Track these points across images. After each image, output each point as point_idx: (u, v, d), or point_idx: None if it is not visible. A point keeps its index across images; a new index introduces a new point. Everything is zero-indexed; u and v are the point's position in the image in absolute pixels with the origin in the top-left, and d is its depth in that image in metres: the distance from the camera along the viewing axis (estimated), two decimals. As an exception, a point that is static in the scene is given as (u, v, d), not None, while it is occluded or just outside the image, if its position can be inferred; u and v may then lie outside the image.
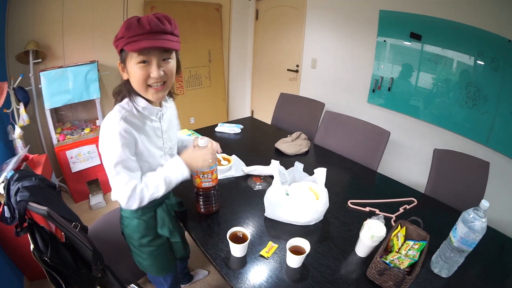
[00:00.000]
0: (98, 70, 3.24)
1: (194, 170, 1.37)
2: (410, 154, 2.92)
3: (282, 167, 1.71)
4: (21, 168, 2.30)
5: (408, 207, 1.63)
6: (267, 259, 1.27)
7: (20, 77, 2.73)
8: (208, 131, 2.66)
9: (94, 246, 1.34)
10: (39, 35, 3.10)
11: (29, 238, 1.35)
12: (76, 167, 3.22)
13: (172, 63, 1.16)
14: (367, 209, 1.59)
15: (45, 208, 1.23)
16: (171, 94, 1.41)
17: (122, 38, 1.07)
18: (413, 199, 1.70)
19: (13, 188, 1.34)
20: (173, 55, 1.16)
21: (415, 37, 2.64)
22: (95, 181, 3.52)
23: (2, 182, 2.05)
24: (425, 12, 2.54)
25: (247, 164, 1.98)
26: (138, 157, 1.22)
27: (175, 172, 1.25)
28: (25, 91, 2.81)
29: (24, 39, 2.99)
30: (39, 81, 2.93)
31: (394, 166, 2.86)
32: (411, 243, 1.24)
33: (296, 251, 1.22)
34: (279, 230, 1.44)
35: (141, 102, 1.21)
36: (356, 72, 3.25)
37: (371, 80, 3.09)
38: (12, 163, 2.28)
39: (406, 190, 1.85)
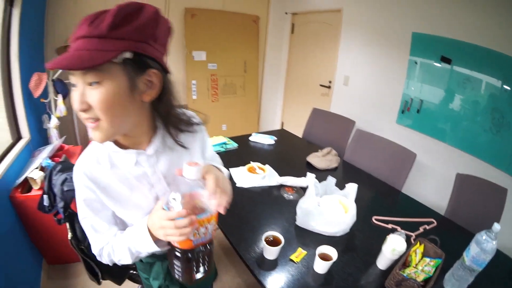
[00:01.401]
0: None
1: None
2: (434, 176, 2.98)
3: (316, 180, 1.82)
4: (62, 160, 2.41)
5: (428, 227, 1.73)
6: (296, 263, 1.39)
7: (60, 70, 2.79)
8: (242, 140, 2.81)
9: None
10: None
11: (68, 227, 1.42)
12: None
13: (101, 91, 0.70)
14: (390, 226, 1.71)
15: None
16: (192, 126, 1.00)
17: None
18: (432, 220, 1.80)
19: (57, 178, 1.39)
20: (110, 76, 0.70)
21: (445, 60, 2.70)
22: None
23: (37, 168, 2.17)
24: (455, 37, 2.60)
25: (280, 175, 2.13)
26: (120, 208, 0.92)
27: (139, 243, 0.87)
28: (63, 83, 2.89)
29: (65, 33, 3.13)
30: None
31: (417, 187, 2.92)
32: (427, 259, 1.35)
33: (324, 258, 1.34)
34: (308, 238, 1.57)
35: (108, 145, 0.87)
36: (387, 92, 3.33)
37: (401, 101, 3.16)
38: (47, 151, 2.40)
39: (427, 210, 1.95)
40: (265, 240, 1.40)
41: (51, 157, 2.44)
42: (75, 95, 0.71)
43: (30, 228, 2.18)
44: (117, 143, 0.88)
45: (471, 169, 2.16)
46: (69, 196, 1.34)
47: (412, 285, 1.18)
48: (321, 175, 2.04)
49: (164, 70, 0.81)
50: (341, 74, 3.89)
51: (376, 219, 1.77)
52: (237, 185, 2.03)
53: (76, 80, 0.71)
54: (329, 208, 1.60)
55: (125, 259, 0.92)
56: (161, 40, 0.77)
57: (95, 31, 0.67)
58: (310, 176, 1.77)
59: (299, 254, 1.44)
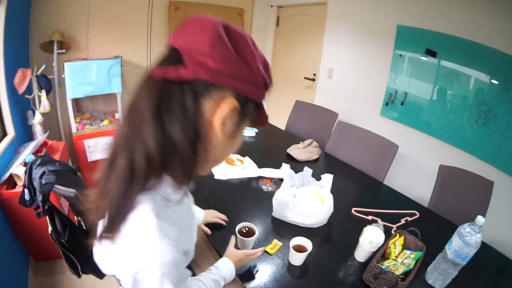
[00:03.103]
0: (121, 66, 3.33)
1: None
2: (418, 168, 2.95)
3: (292, 171, 1.77)
4: (42, 154, 2.36)
5: (410, 219, 1.69)
6: (271, 255, 1.35)
7: (43, 66, 2.83)
8: (222, 132, 2.74)
9: None
10: (64, 26, 3.23)
11: (48, 221, 1.38)
12: (92, 156, 3.32)
13: None
14: (370, 217, 1.66)
15: (73, 190, 1.26)
16: None
17: (262, 83, 0.64)
18: (415, 212, 1.77)
19: (37, 172, 1.38)
20: None
21: (430, 53, 2.68)
22: (109, 171, 3.61)
23: (21, 164, 2.14)
24: (440, 29, 2.58)
25: (259, 167, 2.07)
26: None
27: (228, 274, 1.13)
28: (47, 79, 2.90)
29: (49, 29, 3.12)
30: (62, 71, 3.02)
31: (401, 179, 2.89)
32: (408, 252, 1.31)
33: (299, 249, 1.28)
34: (284, 230, 1.52)
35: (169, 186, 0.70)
36: (371, 84, 3.30)
37: (385, 93, 3.13)
38: (31, 147, 2.35)
39: (409, 203, 1.91)
40: (239, 232, 1.36)
41: (35, 153, 2.41)
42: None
43: (16, 225, 2.15)
44: None
45: (457, 162, 2.13)
46: (47, 189, 1.32)
47: (390, 278, 1.12)
48: (301, 166, 1.99)
49: None
50: (326, 66, 3.85)
51: (355, 211, 1.72)
52: (216, 177, 1.97)
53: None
54: (305, 199, 1.54)
55: None
56: None
57: None
58: (285, 167, 1.74)
59: (274, 245, 1.40)
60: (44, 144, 2.64)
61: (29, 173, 1.47)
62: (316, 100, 4.03)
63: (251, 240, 1.33)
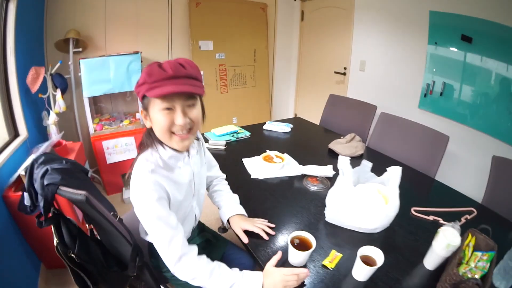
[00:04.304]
0: (141, 62, 3.21)
1: None
2: (462, 163, 2.75)
3: (350, 166, 1.45)
4: (47, 151, 2.24)
5: (469, 217, 1.51)
6: (330, 270, 1.15)
7: (58, 63, 2.76)
8: (255, 129, 2.63)
9: (135, 240, 1.19)
10: (80, 24, 3.17)
11: (53, 231, 1.19)
12: (111, 158, 3.21)
13: (198, 108, 1.10)
14: (431, 218, 1.48)
15: (83, 192, 1.04)
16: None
17: (143, 84, 1.01)
18: (472, 209, 1.57)
19: (38, 171, 1.15)
20: (198, 100, 1.10)
21: (466, 39, 2.50)
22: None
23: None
24: (476, 14, 2.41)
25: (300, 164, 1.92)
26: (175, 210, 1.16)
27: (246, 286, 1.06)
28: (62, 77, 2.84)
29: (65, 27, 3.06)
30: (79, 70, 2.94)
31: (445, 174, 2.70)
32: (479, 254, 1.14)
33: (366, 261, 1.07)
34: (339, 238, 1.33)
35: (166, 152, 1.13)
36: (406, 75, 3.13)
37: (422, 84, 2.95)
38: (44, 147, 2.26)
39: (463, 199, 1.71)
40: (292, 242, 1.16)
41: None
42: (178, 114, 1.04)
43: (25, 229, 2.04)
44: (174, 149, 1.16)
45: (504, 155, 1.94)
46: (50, 192, 1.09)
47: (472, 287, 0.96)
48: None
49: None
50: (357, 59, 3.69)
51: (415, 210, 1.54)
52: (252, 176, 1.83)
53: (174, 104, 1.03)
54: (366, 200, 1.32)
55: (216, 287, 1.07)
56: None
57: (193, 73, 1.04)
58: (343, 160, 1.42)
59: (333, 258, 1.20)
60: (58, 145, 2.55)
61: (29, 173, 1.21)
62: (349, 94, 3.86)
63: (305, 254, 1.13)
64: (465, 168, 2.70)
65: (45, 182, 1.08)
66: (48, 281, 2.22)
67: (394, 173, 1.40)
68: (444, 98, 2.79)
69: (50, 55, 3.08)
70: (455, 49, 2.63)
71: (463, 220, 1.48)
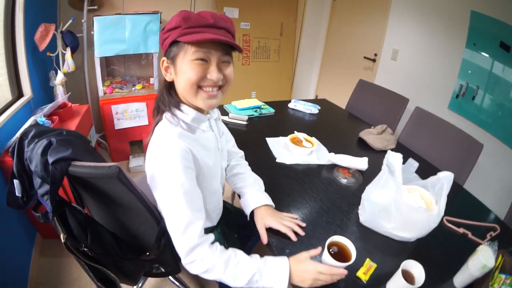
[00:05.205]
0: (160, 23, 3.03)
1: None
2: (485, 175, 2.55)
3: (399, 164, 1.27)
4: (33, 124, 1.99)
5: (493, 234, 1.38)
6: (365, 282, 1.02)
7: (70, 20, 2.60)
8: (279, 106, 2.50)
9: (161, 217, 1.00)
10: None
11: (58, 225, 0.96)
12: (120, 124, 3.08)
13: (232, 68, 1.01)
14: (461, 230, 1.37)
15: (115, 164, 0.87)
16: None
17: (176, 28, 0.90)
18: (496, 226, 1.43)
19: (34, 147, 0.93)
20: (232, 60, 1.01)
21: (504, 47, 2.36)
22: (138, 142, 3.33)
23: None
24: None
25: (329, 151, 1.79)
26: (204, 177, 1.07)
27: (271, 279, 0.94)
28: (74, 35, 2.68)
29: None
30: (92, 29, 2.77)
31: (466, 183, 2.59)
32: (503, 276, 1.04)
33: (405, 277, 0.94)
34: (371, 244, 1.20)
35: (188, 112, 1.02)
36: (440, 73, 2.98)
37: (455, 85, 2.80)
38: (47, 108, 2.16)
39: (487, 213, 1.58)
40: (328, 248, 1.01)
41: (49, 115, 2.20)
42: (212, 67, 0.94)
43: None
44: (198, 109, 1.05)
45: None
46: (59, 171, 0.85)
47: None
48: (375, 156, 1.74)
49: None
50: (389, 47, 3.51)
51: (447, 220, 1.41)
52: (277, 160, 1.70)
53: (209, 56, 0.93)
54: (411, 204, 1.16)
55: (233, 280, 0.94)
56: None
57: (232, 29, 0.98)
58: (395, 157, 1.27)
59: (368, 268, 1.06)
60: (62, 106, 2.40)
61: (18, 152, 0.96)
62: (376, 82, 3.68)
63: (344, 266, 0.97)
64: (488, 180, 2.55)
65: (51, 159, 0.85)
66: (42, 252, 2.16)
67: (444, 180, 1.24)
68: (476, 104, 2.65)
69: (63, 12, 2.91)
70: (492, 55, 2.49)
71: (488, 236, 1.37)
